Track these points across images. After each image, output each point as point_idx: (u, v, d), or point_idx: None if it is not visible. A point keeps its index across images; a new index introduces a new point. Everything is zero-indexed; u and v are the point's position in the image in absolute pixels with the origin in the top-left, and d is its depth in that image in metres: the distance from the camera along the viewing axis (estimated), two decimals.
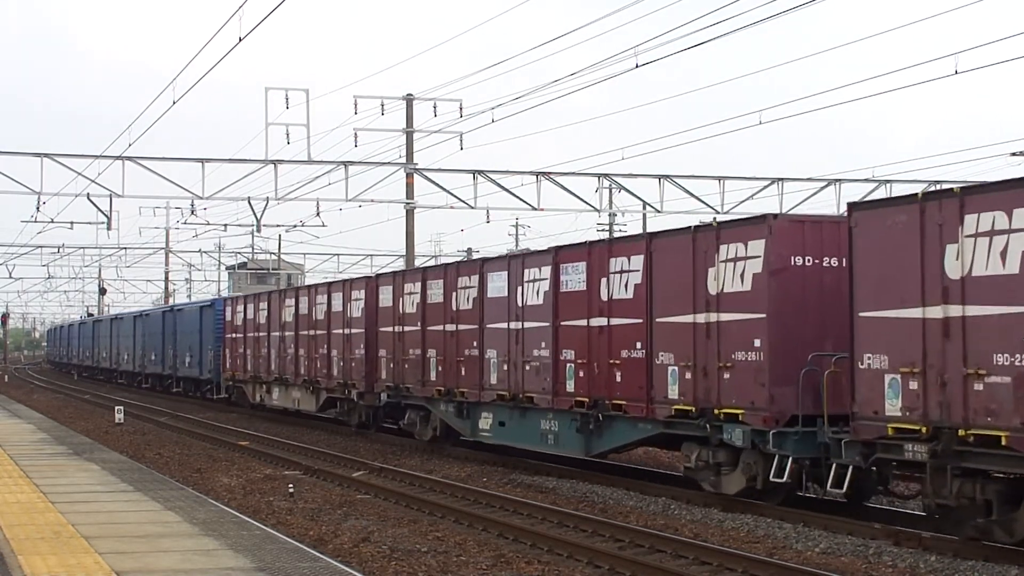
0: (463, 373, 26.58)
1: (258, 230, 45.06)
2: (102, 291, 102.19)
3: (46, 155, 36.07)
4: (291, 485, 22.06)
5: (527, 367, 24.11)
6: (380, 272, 32.77)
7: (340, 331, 33.98)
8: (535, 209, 38.05)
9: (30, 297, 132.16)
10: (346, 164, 37.92)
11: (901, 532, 16.07)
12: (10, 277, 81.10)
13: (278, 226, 70.85)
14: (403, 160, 40.35)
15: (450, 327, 27.23)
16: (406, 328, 29.50)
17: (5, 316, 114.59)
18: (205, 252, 79.89)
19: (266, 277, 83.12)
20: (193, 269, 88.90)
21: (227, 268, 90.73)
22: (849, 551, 15.48)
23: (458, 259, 30.77)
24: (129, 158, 36.27)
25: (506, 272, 25.16)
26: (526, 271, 24.33)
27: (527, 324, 24.17)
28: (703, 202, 39.07)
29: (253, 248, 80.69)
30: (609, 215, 59.75)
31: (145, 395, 61.25)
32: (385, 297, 30.92)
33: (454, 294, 27.17)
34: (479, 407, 26.23)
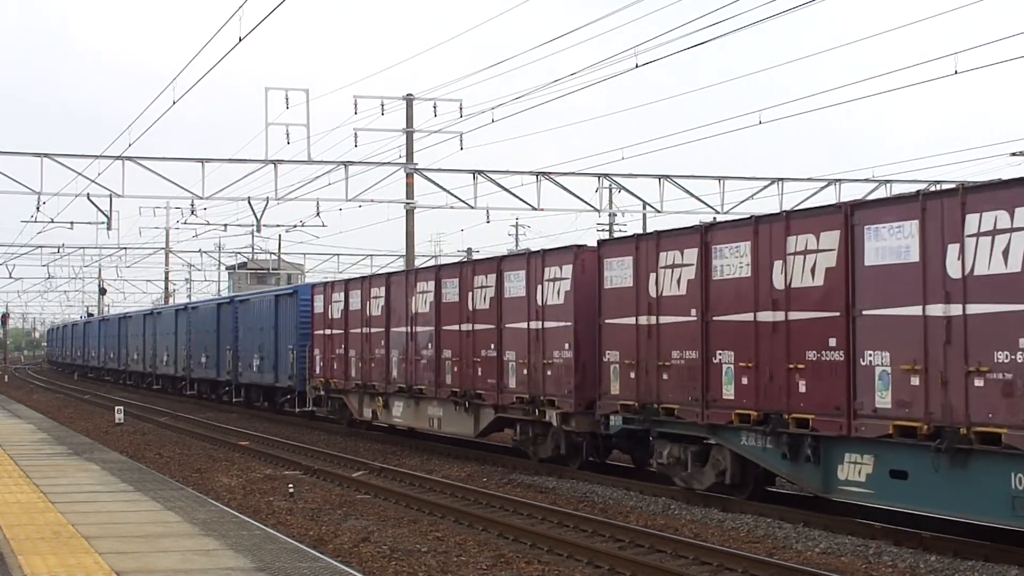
0: (802, 388, 17.10)
1: (258, 230, 45.07)
2: (102, 291, 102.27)
3: (46, 155, 36.09)
4: (291, 485, 22.05)
5: (977, 381, 14.50)
6: (605, 238, 23.35)
7: (522, 325, 24.45)
8: (535, 209, 38.09)
9: (30, 297, 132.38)
10: (346, 164, 37.92)
11: (901, 532, 16.07)
12: (10, 277, 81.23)
13: (278, 226, 70.96)
14: (403, 160, 40.37)
15: (770, 316, 17.66)
16: (663, 319, 20.10)
17: (5, 316, 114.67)
18: (205, 252, 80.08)
19: (266, 277, 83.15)
20: (193, 269, 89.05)
21: (227, 268, 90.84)
22: (849, 551, 15.48)
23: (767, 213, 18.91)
24: (129, 158, 36.29)
25: (915, 221, 15.40)
26: (959, 218, 14.76)
27: (975, 308, 14.57)
28: (703, 202, 39.12)
29: (253, 248, 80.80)
30: (609, 215, 59.77)
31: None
32: (617, 275, 21.35)
33: (778, 265, 17.56)
34: (843, 445, 16.67)
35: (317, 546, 15.65)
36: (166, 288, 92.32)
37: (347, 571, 12.67)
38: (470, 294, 26.48)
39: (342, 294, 33.71)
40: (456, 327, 27.06)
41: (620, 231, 63.55)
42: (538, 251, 24.67)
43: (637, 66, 28.28)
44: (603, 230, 65.43)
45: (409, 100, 40.82)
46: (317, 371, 35.68)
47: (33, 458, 24.36)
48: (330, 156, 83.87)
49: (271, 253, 78.80)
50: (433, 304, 28.15)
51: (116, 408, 40.29)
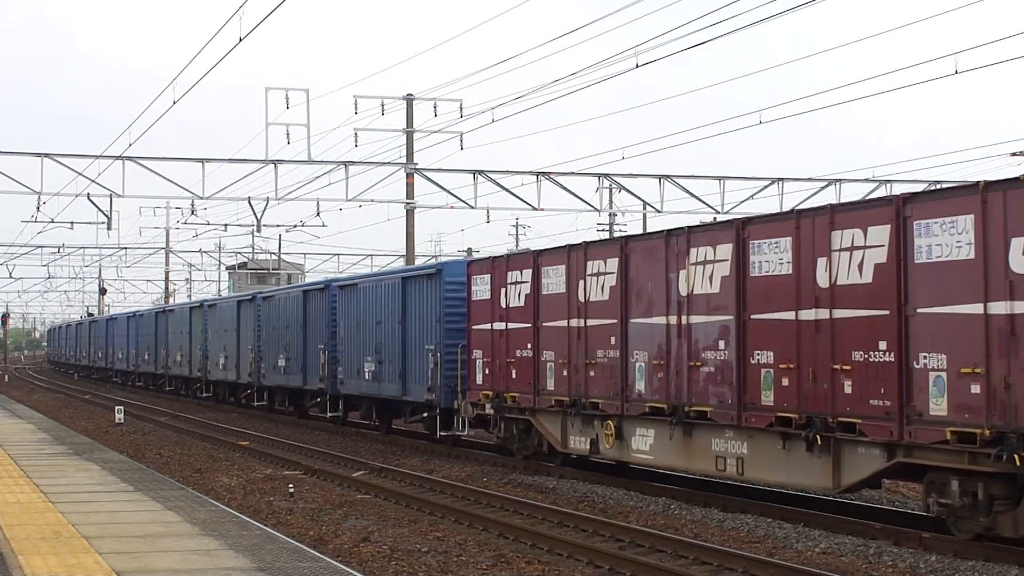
0: None
1: (258, 230, 45.03)
2: (102, 291, 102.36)
3: (46, 155, 36.13)
4: (291, 485, 22.05)
5: None
6: None
7: (963, 309, 14.54)
8: (535, 209, 38.13)
9: (30, 297, 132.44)
10: (346, 164, 37.93)
11: (901, 532, 16.06)
12: (10, 277, 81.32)
13: (278, 226, 70.95)
14: (403, 160, 40.39)
15: None
16: None
17: (5, 316, 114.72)
18: (205, 252, 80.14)
19: (266, 277, 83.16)
20: (193, 269, 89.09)
21: (227, 268, 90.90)
22: (849, 551, 15.48)
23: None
24: (129, 158, 36.31)
25: None
26: None
27: None
28: (703, 202, 39.14)
29: (253, 248, 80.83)
30: (609, 215, 59.78)
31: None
32: None
33: None
34: None
35: (317, 546, 15.65)
36: (166, 288, 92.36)
37: (347, 571, 12.68)
38: (821, 262, 16.69)
39: (529, 271, 24.14)
40: (786, 315, 17.31)
41: (620, 231, 63.47)
42: (1017, 178, 14.08)
43: (637, 66, 28.29)
44: (603, 230, 65.41)
45: (409, 100, 40.83)
46: (479, 381, 26.10)
47: (33, 458, 24.37)
48: (330, 156, 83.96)
49: (271, 253, 78.87)
50: (729, 280, 18.57)
51: (116, 408, 40.29)
